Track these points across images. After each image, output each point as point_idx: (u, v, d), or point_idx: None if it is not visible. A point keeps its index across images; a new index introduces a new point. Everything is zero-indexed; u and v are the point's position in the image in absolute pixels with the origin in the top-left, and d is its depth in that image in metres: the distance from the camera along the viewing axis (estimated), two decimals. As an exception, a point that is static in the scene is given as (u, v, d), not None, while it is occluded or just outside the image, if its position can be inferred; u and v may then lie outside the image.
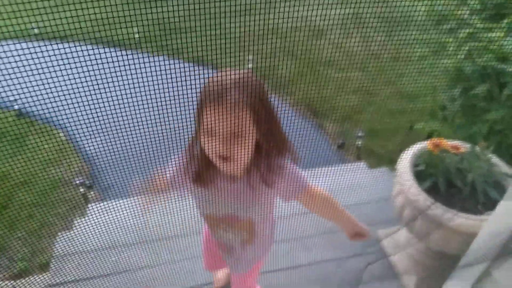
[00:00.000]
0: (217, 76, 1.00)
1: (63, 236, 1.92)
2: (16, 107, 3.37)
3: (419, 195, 1.36)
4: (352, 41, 4.62)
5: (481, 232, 1.15)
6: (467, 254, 1.20)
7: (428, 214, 1.33)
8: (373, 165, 2.76)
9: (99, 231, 1.92)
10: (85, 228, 2.02)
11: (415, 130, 2.36)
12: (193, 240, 1.81)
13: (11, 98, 3.71)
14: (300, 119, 3.51)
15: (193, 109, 1.07)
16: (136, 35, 4.84)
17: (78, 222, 2.09)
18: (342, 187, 2.16)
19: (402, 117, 3.29)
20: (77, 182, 2.48)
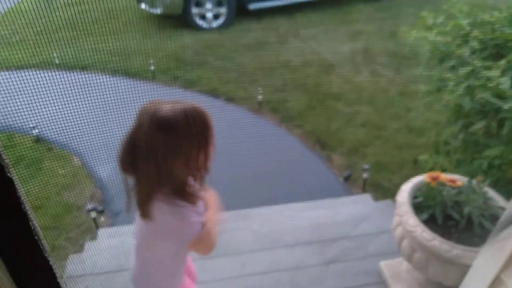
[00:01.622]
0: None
1: (74, 258, 1.97)
2: (35, 132, 3.51)
3: (417, 226, 1.39)
4: (362, 76, 4.74)
5: (475, 264, 1.18)
6: (463, 285, 1.22)
7: (426, 246, 1.36)
8: (378, 198, 2.78)
9: (108, 255, 1.97)
10: (95, 251, 2.08)
11: (420, 164, 2.40)
12: (204, 263, 1.83)
13: (31, 124, 3.86)
14: (308, 151, 3.57)
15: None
16: (152, 67, 5.01)
17: (88, 245, 2.14)
18: (346, 218, 2.20)
19: (408, 151, 3.33)
20: (89, 207, 2.55)
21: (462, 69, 1.83)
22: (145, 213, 1.06)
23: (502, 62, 1.76)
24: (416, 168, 2.58)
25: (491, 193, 1.48)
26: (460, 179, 1.52)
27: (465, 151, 1.86)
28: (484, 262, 1.18)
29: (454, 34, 2.07)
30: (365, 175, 2.99)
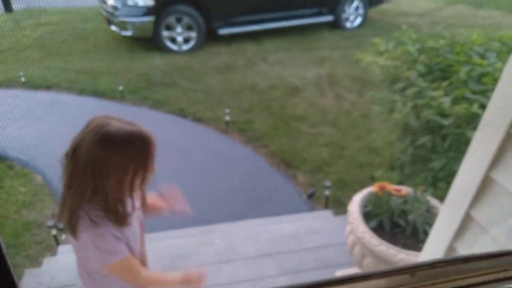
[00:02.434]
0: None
1: (30, 273, 1.93)
2: (-5, 150, 3.44)
3: (366, 233, 1.48)
4: (325, 99, 4.93)
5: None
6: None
7: (374, 251, 1.45)
8: (339, 214, 2.89)
9: (66, 269, 1.94)
10: (53, 266, 2.05)
11: (376, 180, 2.52)
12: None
13: (-8, 142, 3.76)
14: (273, 170, 3.66)
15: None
16: (121, 87, 5.03)
17: (47, 261, 2.11)
18: (305, 232, 2.27)
19: (369, 169, 3.48)
20: (50, 224, 2.51)
21: (410, 90, 1.98)
22: (71, 228, 1.05)
23: (445, 83, 1.92)
24: (374, 183, 2.71)
25: (434, 201, 1.60)
26: (405, 189, 1.64)
27: (414, 165, 1.99)
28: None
29: (403, 59, 2.25)
30: (327, 192, 3.10)
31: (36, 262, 2.41)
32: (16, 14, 7.03)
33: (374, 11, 7.73)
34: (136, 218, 1.19)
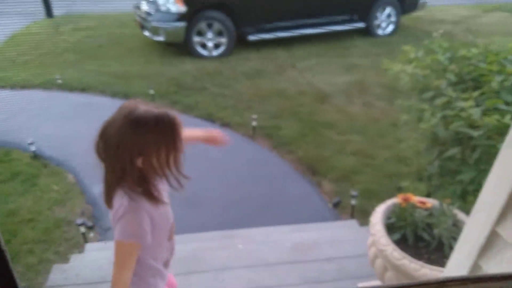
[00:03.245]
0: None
1: (57, 268, 2.00)
2: (32, 149, 3.60)
3: (388, 246, 1.44)
4: (354, 106, 4.87)
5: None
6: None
7: (396, 264, 1.41)
8: (365, 224, 2.83)
9: (93, 267, 2.00)
10: (79, 263, 2.11)
11: (403, 191, 2.47)
12: (183, 278, 1.87)
13: (29, 141, 3.94)
14: (299, 177, 3.64)
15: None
16: (152, 91, 5.15)
17: (74, 257, 2.18)
18: (328, 241, 2.25)
19: (397, 180, 3.40)
20: (79, 222, 2.59)
21: (439, 99, 1.93)
22: (107, 201, 1.14)
23: (476, 93, 1.86)
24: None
25: (461, 215, 1.55)
26: (431, 202, 1.60)
27: (442, 177, 1.94)
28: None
29: (433, 67, 2.19)
30: (353, 201, 3.05)
31: (65, 258, 2.50)
32: (56, 19, 7.36)
33: (407, 18, 7.58)
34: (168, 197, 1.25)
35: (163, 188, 1.21)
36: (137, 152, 1.05)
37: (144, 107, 1.07)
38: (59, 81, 5.11)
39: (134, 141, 1.05)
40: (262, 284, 1.89)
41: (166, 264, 1.37)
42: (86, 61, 6.03)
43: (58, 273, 1.98)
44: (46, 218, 2.94)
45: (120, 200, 1.11)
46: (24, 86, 5.20)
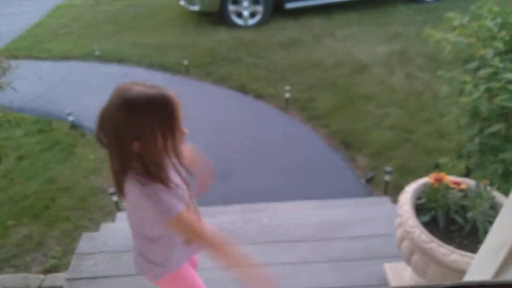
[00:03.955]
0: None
1: (87, 236, 2.07)
2: (71, 119, 3.71)
3: (416, 227, 1.34)
4: (395, 78, 4.61)
5: (470, 270, 1.13)
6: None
7: (424, 248, 1.31)
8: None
9: (120, 236, 2.05)
10: (109, 232, 2.17)
11: (441, 168, 2.32)
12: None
13: (68, 111, 4.05)
14: (332, 151, 3.53)
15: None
16: (185, 62, 5.12)
17: (104, 226, 2.25)
18: (357, 219, 2.17)
19: (438, 156, 3.21)
20: (112, 191, 2.66)
21: (483, 71, 1.76)
22: (119, 190, 1.11)
23: (526, 64, 1.67)
24: (439, 172, 2.50)
25: (500, 197, 1.42)
26: (466, 182, 1.47)
27: (482, 155, 1.78)
28: (478, 269, 1.14)
29: (480, 35, 1.99)
30: (387, 177, 2.92)
31: (98, 225, 2.59)
32: (97, -11, 7.44)
33: (459, -19, 7.02)
34: (182, 181, 1.19)
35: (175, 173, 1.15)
36: (132, 136, 1.01)
37: (137, 88, 1.01)
38: (97, 53, 5.20)
39: (128, 125, 1.00)
40: (284, 261, 1.86)
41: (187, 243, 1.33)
42: (123, 32, 6.08)
43: (87, 241, 2.05)
44: (82, 186, 3.05)
45: (133, 189, 1.07)
46: (64, 57, 5.34)
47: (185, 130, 1.09)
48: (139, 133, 1.01)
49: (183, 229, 1.13)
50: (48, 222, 2.71)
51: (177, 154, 1.09)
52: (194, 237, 1.18)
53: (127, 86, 1.02)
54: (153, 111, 1.01)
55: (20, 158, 3.39)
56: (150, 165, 1.06)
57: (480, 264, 1.12)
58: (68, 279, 1.83)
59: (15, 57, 5.11)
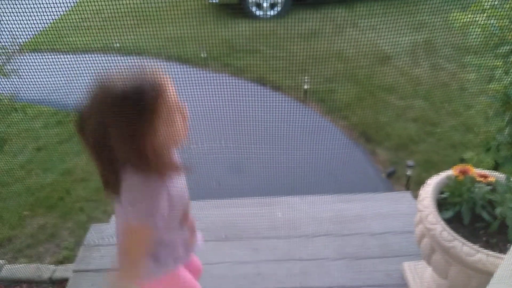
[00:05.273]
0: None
1: (96, 227, 2.05)
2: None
3: (437, 224, 1.23)
4: (420, 69, 4.43)
5: (498, 272, 1.02)
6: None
7: (446, 246, 1.20)
8: (420, 197, 2.59)
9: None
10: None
11: (469, 162, 2.18)
12: (216, 245, 1.82)
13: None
14: (351, 144, 3.41)
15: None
16: (203, 54, 5.07)
17: (114, 218, 2.22)
18: (374, 214, 2.06)
19: (463, 150, 3.05)
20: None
21: (514, 55, 1.62)
22: (112, 187, 1.06)
23: None
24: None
25: (531, 194, 1.29)
26: (494, 175, 1.35)
27: (512, 147, 1.65)
28: (508, 271, 1.03)
29: (512, 16, 1.84)
30: (409, 172, 2.79)
31: (111, 218, 2.57)
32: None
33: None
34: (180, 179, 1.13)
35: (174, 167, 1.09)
36: (114, 135, 0.94)
37: (114, 80, 0.93)
38: (117, 45, 5.20)
39: (105, 125, 0.93)
40: (296, 257, 1.78)
41: (186, 247, 1.27)
42: (143, 25, 6.07)
43: (95, 233, 2.03)
44: (97, 178, 3.04)
45: (131, 182, 1.01)
46: (85, 50, 5.38)
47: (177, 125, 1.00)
48: (117, 133, 0.94)
49: (130, 240, 1.06)
50: (63, 213, 2.72)
51: (156, 155, 1.00)
52: (127, 252, 1.09)
53: (100, 83, 0.96)
54: (126, 108, 0.91)
55: (38, 149, 3.42)
56: (146, 158, 0.99)
57: (510, 265, 1.01)
58: (75, 271, 1.80)
59: (39, 51, 5.18)
